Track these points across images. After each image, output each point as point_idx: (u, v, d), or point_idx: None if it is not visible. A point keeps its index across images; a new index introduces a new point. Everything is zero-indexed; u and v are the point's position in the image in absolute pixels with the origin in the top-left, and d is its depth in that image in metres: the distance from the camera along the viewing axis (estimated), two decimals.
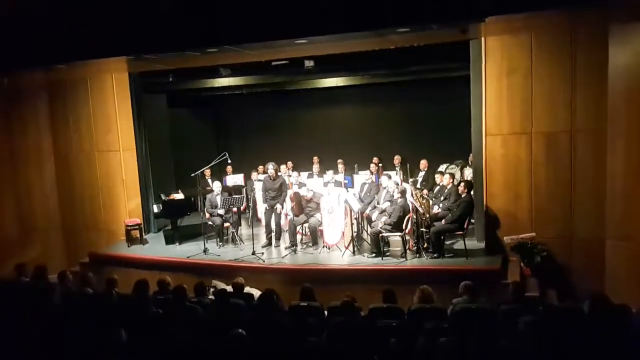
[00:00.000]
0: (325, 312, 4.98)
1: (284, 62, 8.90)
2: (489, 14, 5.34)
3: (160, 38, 6.43)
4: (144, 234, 9.31)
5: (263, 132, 12.05)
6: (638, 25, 6.42)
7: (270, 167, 8.51)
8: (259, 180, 9.35)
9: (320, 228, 8.28)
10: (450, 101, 9.75)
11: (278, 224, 8.60)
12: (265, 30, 6.00)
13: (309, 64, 8.92)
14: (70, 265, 9.08)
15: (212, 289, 6.12)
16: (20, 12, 6.65)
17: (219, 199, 8.75)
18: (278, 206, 8.43)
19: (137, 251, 8.84)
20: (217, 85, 10.21)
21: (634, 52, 6.50)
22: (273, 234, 8.55)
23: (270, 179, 8.47)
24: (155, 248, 8.94)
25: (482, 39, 7.34)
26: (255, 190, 9.01)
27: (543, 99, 7.26)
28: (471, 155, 8.31)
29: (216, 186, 8.92)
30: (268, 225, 8.58)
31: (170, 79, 9.87)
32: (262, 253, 8.03)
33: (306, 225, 8.47)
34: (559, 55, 7.13)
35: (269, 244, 8.52)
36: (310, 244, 8.30)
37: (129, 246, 9.04)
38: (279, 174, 9.12)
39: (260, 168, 10.49)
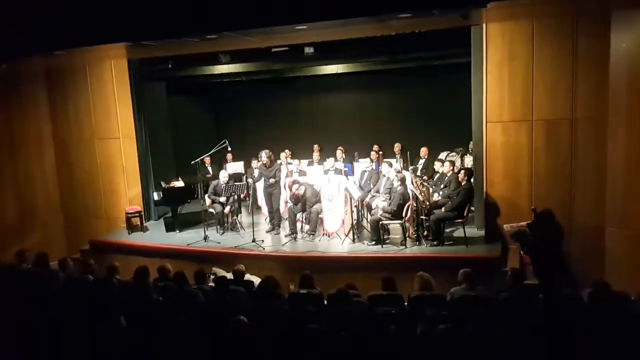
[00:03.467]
0: (325, 300, 5.00)
1: (284, 48, 8.83)
2: None
3: (159, 24, 6.37)
4: (144, 221, 9.34)
5: (263, 120, 12.01)
6: None
7: (264, 154, 8.44)
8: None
9: (320, 216, 8.28)
10: (451, 88, 9.71)
11: (277, 211, 8.62)
12: (265, 16, 5.95)
13: (308, 50, 8.84)
14: (71, 252, 9.11)
15: (212, 276, 6.15)
16: None
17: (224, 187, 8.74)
18: (275, 191, 8.45)
19: (138, 238, 8.86)
20: (216, 72, 10.15)
21: (636, 39, 6.44)
22: (273, 219, 8.61)
23: (265, 166, 8.46)
24: (156, 235, 8.97)
25: (484, 25, 7.27)
26: (255, 178, 9.00)
27: (544, 86, 7.22)
28: (471, 142, 8.29)
29: (222, 175, 8.87)
30: (270, 212, 8.62)
31: (170, 66, 9.80)
32: (262, 240, 8.05)
33: (306, 213, 8.47)
34: (561, 42, 7.07)
35: (273, 228, 8.56)
36: (311, 232, 8.31)
37: (129, 233, 9.07)
38: (278, 161, 9.11)
39: (266, 151, 10.41)
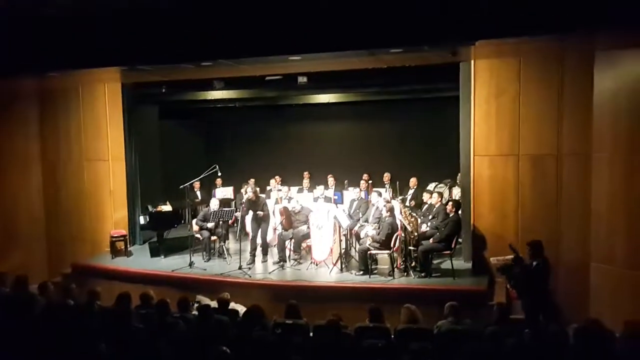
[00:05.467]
0: (311, 331, 4.94)
1: (278, 77, 8.95)
2: (479, 37, 5.44)
3: (155, 50, 6.45)
4: (129, 245, 9.21)
5: (254, 146, 12.06)
6: (622, 53, 6.57)
7: (249, 189, 8.47)
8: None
9: (308, 243, 8.26)
10: (440, 121, 9.86)
11: (264, 239, 8.56)
12: (260, 45, 6.05)
13: (302, 79, 8.98)
14: (52, 275, 8.94)
15: (196, 304, 6.05)
16: (15, 20, 6.63)
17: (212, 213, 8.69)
18: (263, 224, 8.43)
19: (121, 263, 8.71)
20: (210, 98, 10.22)
21: (618, 79, 6.64)
22: (260, 249, 8.52)
23: (251, 200, 8.44)
24: (140, 260, 8.84)
25: (472, 61, 7.45)
26: (244, 212, 8.87)
27: (530, 122, 7.37)
28: (459, 175, 8.37)
29: (213, 203, 8.81)
30: (254, 239, 8.52)
31: (163, 90, 9.85)
32: (249, 268, 7.98)
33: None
34: (547, 79, 7.26)
35: (253, 261, 8.41)
36: (300, 260, 8.26)
37: (112, 258, 8.93)
38: (268, 187, 9.12)
39: (251, 181, 10.47)
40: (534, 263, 5.97)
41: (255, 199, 8.43)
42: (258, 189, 8.65)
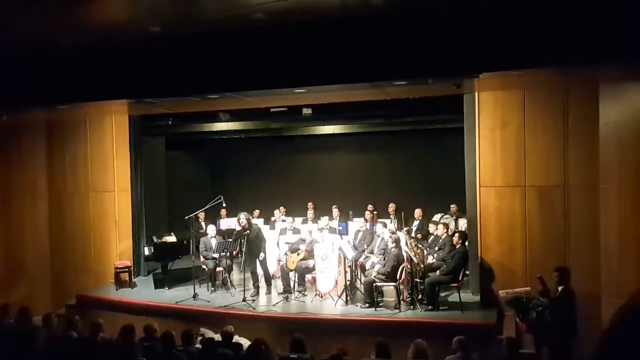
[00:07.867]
0: None
1: (283, 109, 9.06)
2: (483, 70, 5.50)
3: (163, 83, 6.55)
4: (133, 276, 9.16)
5: (259, 177, 12.12)
6: (626, 85, 6.61)
7: (242, 216, 8.28)
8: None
9: (313, 275, 8.17)
10: (445, 152, 9.90)
11: (266, 271, 8.45)
12: (266, 78, 6.14)
13: (306, 111, 9.08)
14: (57, 306, 8.87)
15: (199, 337, 5.96)
16: (25, 52, 6.78)
17: (213, 242, 8.68)
18: (261, 254, 8.28)
19: (125, 295, 8.65)
20: (215, 130, 10.35)
21: (623, 111, 6.65)
22: (263, 280, 8.40)
23: (244, 228, 8.23)
24: (144, 292, 8.77)
25: (476, 93, 7.52)
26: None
27: (536, 153, 7.37)
28: (453, 205, 8.33)
29: (210, 230, 8.86)
30: (254, 273, 8.38)
31: (170, 122, 9.99)
32: (253, 300, 7.88)
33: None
34: (552, 111, 7.29)
35: (257, 293, 8.29)
36: (304, 292, 8.15)
37: (117, 289, 8.86)
38: (272, 218, 9.07)
39: (256, 212, 10.45)
40: (559, 288, 5.87)
41: (248, 227, 8.19)
42: (251, 217, 8.54)
